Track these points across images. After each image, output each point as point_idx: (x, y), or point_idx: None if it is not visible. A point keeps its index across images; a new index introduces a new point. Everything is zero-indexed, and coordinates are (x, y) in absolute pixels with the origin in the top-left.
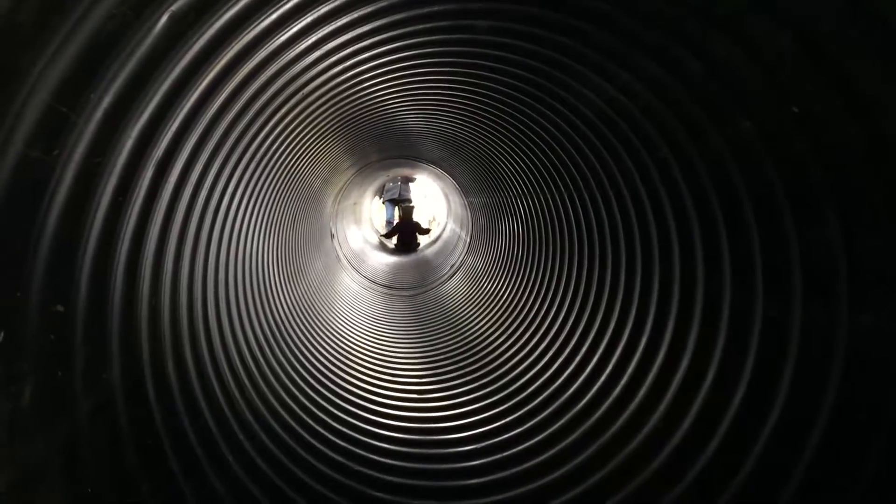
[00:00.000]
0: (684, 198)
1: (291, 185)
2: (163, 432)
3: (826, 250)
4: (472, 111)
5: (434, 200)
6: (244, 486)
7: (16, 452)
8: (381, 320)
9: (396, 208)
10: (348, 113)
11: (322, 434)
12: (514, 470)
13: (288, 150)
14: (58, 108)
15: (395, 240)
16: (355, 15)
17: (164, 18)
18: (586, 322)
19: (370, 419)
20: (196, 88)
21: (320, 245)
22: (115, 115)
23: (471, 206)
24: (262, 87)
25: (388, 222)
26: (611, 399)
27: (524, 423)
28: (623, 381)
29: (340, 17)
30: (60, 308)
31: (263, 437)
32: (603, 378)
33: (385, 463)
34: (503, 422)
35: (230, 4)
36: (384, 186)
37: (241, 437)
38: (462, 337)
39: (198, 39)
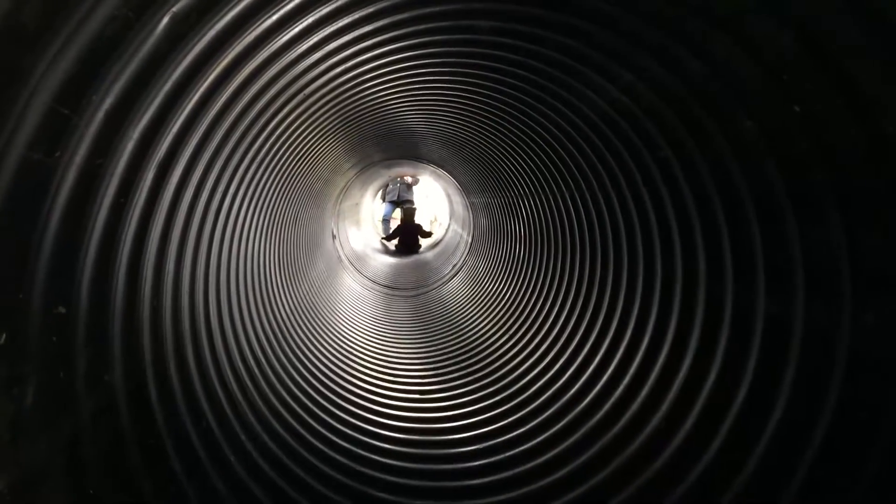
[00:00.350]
0: (686, 197)
1: (293, 186)
2: (165, 433)
3: (828, 250)
4: (474, 111)
5: (436, 201)
6: (246, 487)
7: (18, 453)
8: (382, 321)
9: (397, 209)
10: (350, 113)
11: (324, 435)
12: (515, 470)
13: (289, 151)
14: (59, 110)
15: (395, 241)
16: (357, 15)
17: (165, 20)
18: (588, 322)
19: (372, 419)
20: (197, 90)
21: (322, 246)
22: (116, 116)
23: (472, 207)
24: (263, 87)
25: (384, 220)
26: (613, 399)
27: (526, 424)
28: (625, 382)
29: (342, 17)
30: (62, 310)
31: (265, 437)
32: (605, 378)
33: (387, 463)
34: (505, 422)
35: (231, 5)
36: (387, 187)
37: (243, 437)
38: (464, 337)
39: (199, 41)
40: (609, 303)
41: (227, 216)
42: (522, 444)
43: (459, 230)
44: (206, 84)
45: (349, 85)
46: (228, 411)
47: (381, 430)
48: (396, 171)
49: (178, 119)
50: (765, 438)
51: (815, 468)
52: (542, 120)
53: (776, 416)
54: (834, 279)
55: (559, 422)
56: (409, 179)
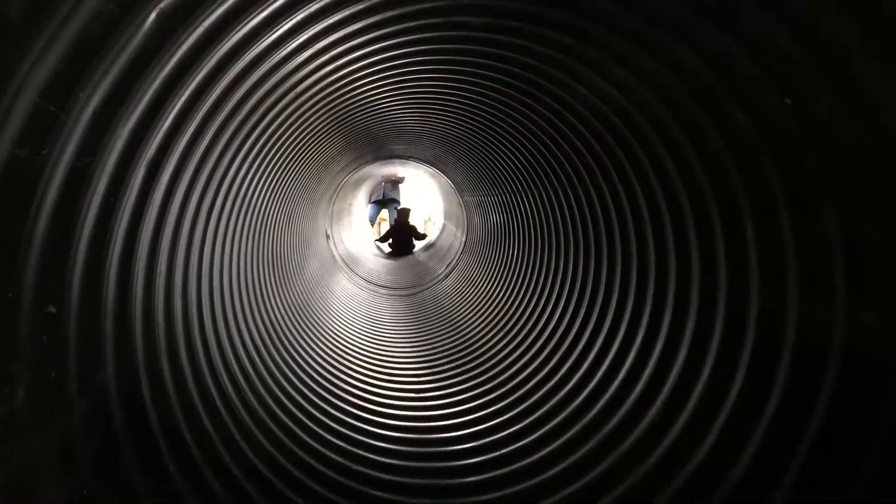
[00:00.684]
0: (679, 192)
1: (286, 186)
2: (159, 433)
3: (823, 244)
4: (466, 109)
5: (429, 200)
6: (242, 487)
7: (11, 453)
8: (377, 320)
9: (384, 210)
10: (341, 113)
11: (319, 434)
12: (511, 467)
13: (281, 151)
14: (46, 107)
15: (389, 243)
16: (346, 13)
17: (152, 16)
18: (582, 319)
19: (367, 418)
20: (187, 87)
21: (315, 245)
22: (104, 114)
23: (466, 206)
24: (253, 86)
25: (371, 222)
26: (607, 396)
27: (521, 421)
28: (619, 378)
29: (330, 15)
30: (53, 309)
31: (261, 437)
32: (599, 375)
33: (382, 461)
34: (500, 419)
35: (218, 2)
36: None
37: (238, 437)
38: (458, 335)
39: (187, 37)
40: (603, 299)
41: (220, 216)
42: (517, 442)
43: (453, 229)
44: (195, 82)
45: (340, 84)
46: (223, 411)
47: (377, 429)
48: (389, 170)
49: (167, 117)
50: (758, 434)
51: (810, 464)
52: (535, 116)
53: (770, 412)
54: (829, 274)
55: (554, 419)
56: (395, 176)
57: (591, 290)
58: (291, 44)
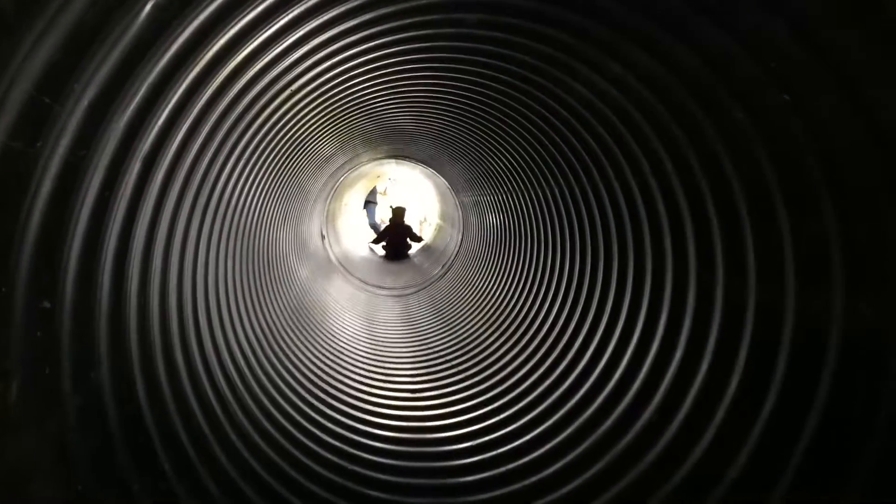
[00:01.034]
0: (676, 189)
1: (281, 185)
2: (154, 432)
3: (821, 242)
4: (462, 108)
5: (425, 200)
6: (237, 487)
7: (5, 448)
8: (372, 320)
9: (380, 209)
10: (336, 111)
11: (315, 434)
12: (507, 467)
13: (276, 149)
14: (41, 99)
15: (383, 244)
16: (341, 9)
17: (147, 7)
18: (578, 317)
19: (363, 418)
20: (182, 82)
21: (311, 245)
22: (100, 106)
23: (462, 205)
24: (249, 82)
25: (372, 226)
26: (604, 394)
27: (517, 420)
28: (616, 376)
29: (326, 11)
30: (47, 304)
31: (256, 437)
32: (595, 374)
33: (379, 462)
34: (496, 419)
35: None
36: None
37: (233, 437)
38: (454, 335)
39: (183, 30)
40: (599, 297)
41: (215, 213)
42: (513, 441)
43: (449, 229)
44: (191, 77)
45: (336, 81)
46: (218, 411)
47: (373, 429)
48: (386, 170)
49: (163, 112)
50: (756, 432)
51: (806, 463)
52: (531, 115)
53: (767, 410)
54: (826, 269)
55: (550, 418)
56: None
57: (588, 290)
58: (286, 40)
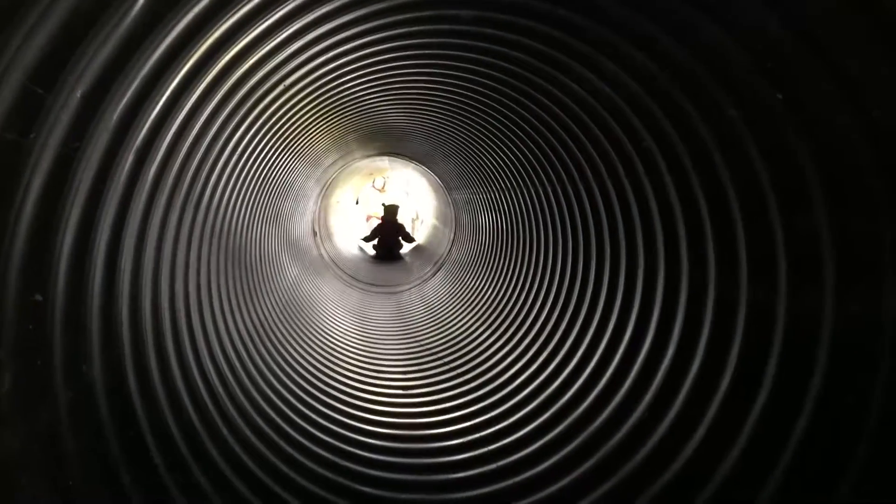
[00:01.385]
0: (668, 187)
1: (274, 181)
2: (145, 426)
3: (813, 238)
4: (456, 105)
5: (417, 198)
6: (228, 481)
7: None
8: (364, 317)
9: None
10: (330, 107)
11: (307, 429)
12: (498, 464)
13: (270, 145)
14: (34, 90)
15: (374, 243)
16: (337, 3)
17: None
18: (570, 316)
19: (354, 414)
20: (176, 74)
21: (304, 242)
22: (93, 98)
23: (454, 203)
24: (243, 76)
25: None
26: (595, 392)
27: (508, 418)
28: (608, 374)
29: (322, 5)
30: (39, 297)
31: (248, 432)
32: (587, 371)
33: (370, 457)
34: (487, 416)
35: None
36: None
37: (224, 432)
38: (446, 333)
39: (177, 22)
40: (592, 295)
41: (208, 208)
42: (504, 438)
43: (441, 227)
44: (185, 69)
45: (330, 77)
46: (210, 405)
47: (364, 425)
48: (379, 166)
49: (156, 105)
50: (747, 430)
51: (797, 462)
52: (524, 112)
53: (758, 408)
54: (818, 267)
55: (541, 416)
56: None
57: (580, 287)
58: (281, 35)
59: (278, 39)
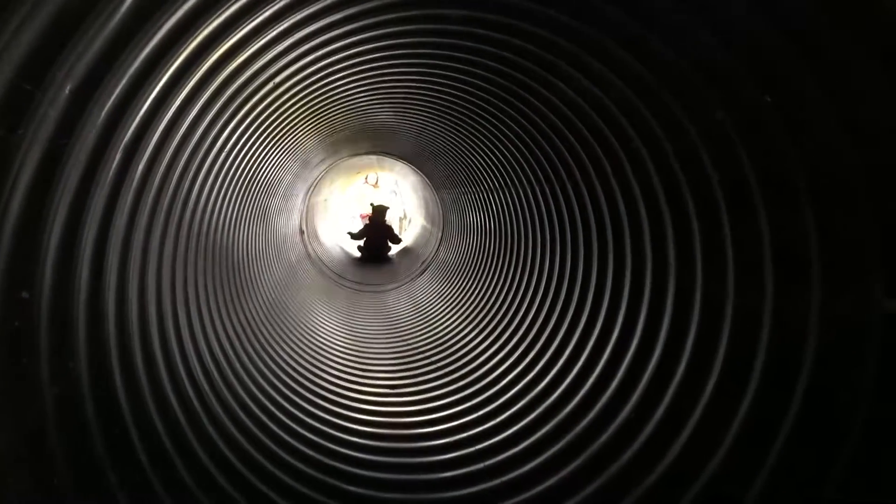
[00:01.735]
0: (656, 189)
1: (262, 180)
2: (130, 422)
3: (800, 239)
4: (444, 105)
5: (404, 196)
6: (213, 479)
7: None
8: (351, 315)
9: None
10: (318, 106)
11: (293, 428)
12: (485, 463)
13: (258, 143)
14: (22, 86)
15: (361, 245)
16: (325, 2)
17: None
18: (558, 316)
19: (341, 413)
20: (165, 71)
21: (291, 240)
22: (82, 95)
23: (442, 202)
24: (231, 74)
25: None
26: (582, 392)
27: (495, 417)
28: (595, 374)
29: (312, 3)
30: (25, 294)
31: (234, 430)
32: (574, 372)
33: (356, 456)
34: (474, 416)
35: None
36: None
37: (210, 429)
38: (433, 332)
39: (167, 20)
40: (579, 296)
41: (195, 206)
42: (490, 438)
43: (429, 226)
44: (174, 66)
45: (319, 75)
46: (195, 402)
47: (351, 424)
48: (366, 164)
49: (145, 101)
50: (733, 429)
51: (783, 461)
52: (512, 112)
53: (745, 408)
54: (805, 267)
55: (529, 415)
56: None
57: (568, 287)
58: (270, 33)
59: (266, 38)
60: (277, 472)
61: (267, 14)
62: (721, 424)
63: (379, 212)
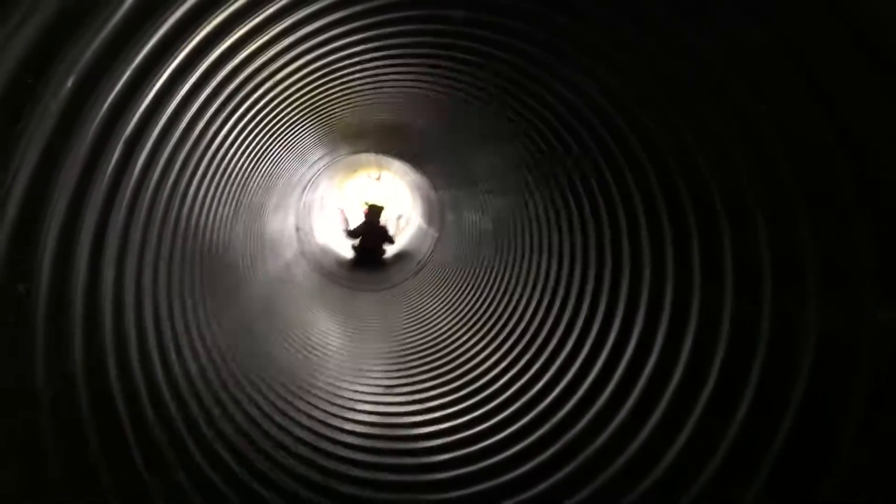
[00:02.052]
0: (655, 194)
1: (260, 175)
2: (125, 420)
3: (796, 247)
4: (445, 105)
5: (402, 195)
6: (207, 478)
7: None
8: (346, 314)
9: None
10: (318, 103)
11: (287, 427)
12: (480, 465)
13: (258, 139)
14: (24, 78)
15: (355, 246)
16: (329, 0)
17: None
18: (554, 318)
19: (336, 413)
20: (168, 67)
21: (287, 237)
22: (83, 89)
23: (439, 202)
24: (234, 70)
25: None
26: (578, 395)
27: (491, 419)
28: (591, 377)
29: (314, 2)
30: (22, 289)
31: (229, 429)
32: (571, 374)
33: (350, 457)
34: (470, 417)
35: None
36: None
37: (205, 429)
38: (429, 332)
39: (170, 15)
40: (576, 298)
41: (193, 201)
42: (486, 439)
43: (425, 226)
44: (176, 62)
45: (320, 73)
46: (190, 401)
47: (346, 424)
48: (364, 163)
49: (147, 96)
50: (731, 433)
51: (780, 465)
52: (513, 115)
53: (742, 412)
54: (802, 276)
55: (524, 417)
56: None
57: (564, 290)
58: (273, 30)
59: (268, 36)
60: (272, 472)
61: (269, 12)
62: (718, 429)
63: (374, 212)
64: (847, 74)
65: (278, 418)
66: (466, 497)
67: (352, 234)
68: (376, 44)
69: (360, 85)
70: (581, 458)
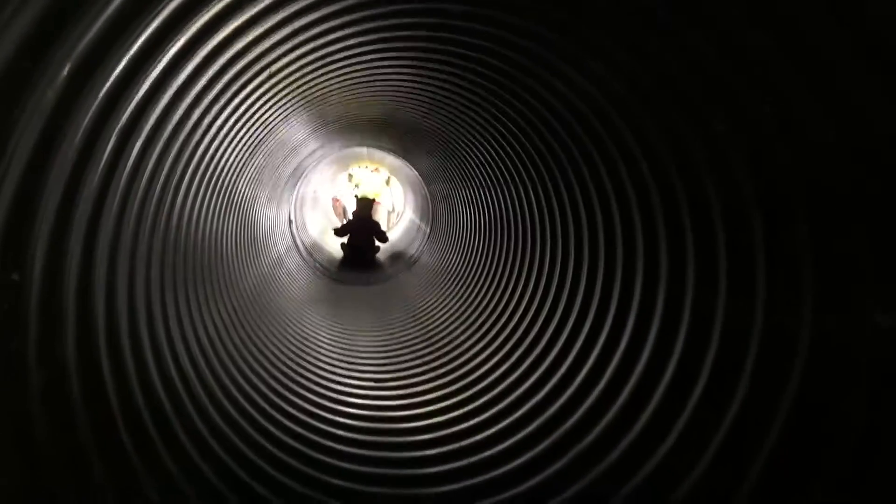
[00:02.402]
0: (651, 194)
1: (253, 168)
2: (117, 410)
3: (793, 252)
4: (440, 100)
5: (394, 189)
6: (198, 469)
7: None
8: (337, 308)
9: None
10: (313, 96)
11: (278, 420)
12: (470, 459)
13: (251, 131)
14: (21, 65)
15: (344, 243)
16: None
17: None
18: (546, 315)
19: (327, 406)
20: (164, 55)
21: (279, 230)
22: (80, 76)
23: (432, 197)
24: (229, 61)
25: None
26: (570, 391)
27: (482, 414)
28: (582, 373)
29: None
30: (16, 277)
31: (218, 419)
32: (562, 370)
33: (342, 450)
34: (461, 411)
35: None
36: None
37: (196, 419)
38: (420, 327)
39: (169, 2)
40: (568, 296)
41: (187, 193)
42: (477, 434)
43: (417, 220)
44: (173, 51)
45: (315, 66)
46: (182, 391)
47: (337, 417)
48: (358, 156)
49: (143, 85)
50: (721, 432)
51: (770, 465)
52: (508, 111)
53: (734, 411)
54: (798, 281)
55: (515, 412)
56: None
57: (557, 287)
58: (268, 22)
59: (264, 27)
60: (261, 463)
61: (265, 3)
62: (709, 428)
63: (364, 205)
64: (847, 74)
65: (268, 409)
66: (458, 491)
67: (340, 231)
68: (371, 37)
69: (354, 78)
70: (573, 452)
